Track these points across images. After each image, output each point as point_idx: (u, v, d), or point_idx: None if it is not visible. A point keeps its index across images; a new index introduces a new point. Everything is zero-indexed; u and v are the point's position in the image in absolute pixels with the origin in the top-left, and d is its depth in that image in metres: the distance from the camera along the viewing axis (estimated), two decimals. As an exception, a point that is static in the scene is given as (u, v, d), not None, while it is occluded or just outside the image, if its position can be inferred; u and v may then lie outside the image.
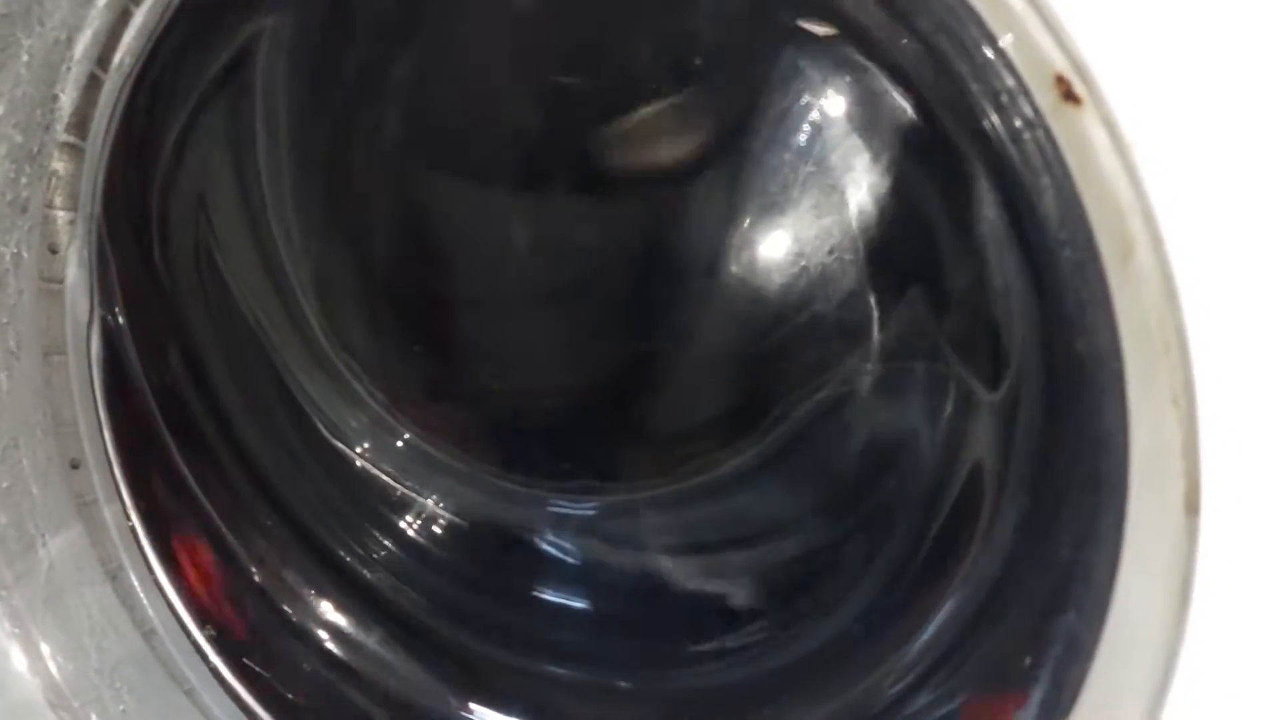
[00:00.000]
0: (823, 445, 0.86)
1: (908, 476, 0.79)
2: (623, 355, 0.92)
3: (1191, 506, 0.47)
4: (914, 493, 0.78)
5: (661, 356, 0.90)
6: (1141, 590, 0.50)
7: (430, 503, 0.96)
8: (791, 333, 0.84)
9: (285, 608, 0.88)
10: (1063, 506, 0.60)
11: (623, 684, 0.90)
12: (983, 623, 0.69)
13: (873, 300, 0.79)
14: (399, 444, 0.96)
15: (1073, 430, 0.58)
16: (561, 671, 0.91)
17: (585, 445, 0.95)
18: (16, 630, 0.73)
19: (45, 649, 0.74)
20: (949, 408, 0.75)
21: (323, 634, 0.89)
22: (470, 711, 0.87)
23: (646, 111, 0.83)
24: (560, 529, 0.95)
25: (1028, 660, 0.60)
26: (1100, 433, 0.53)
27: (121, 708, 0.76)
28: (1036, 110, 0.49)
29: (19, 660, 0.74)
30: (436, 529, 0.97)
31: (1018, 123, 0.51)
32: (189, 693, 0.81)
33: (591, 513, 0.95)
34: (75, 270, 0.76)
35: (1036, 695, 0.58)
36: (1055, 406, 0.62)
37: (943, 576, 0.71)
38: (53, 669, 0.74)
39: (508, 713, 0.87)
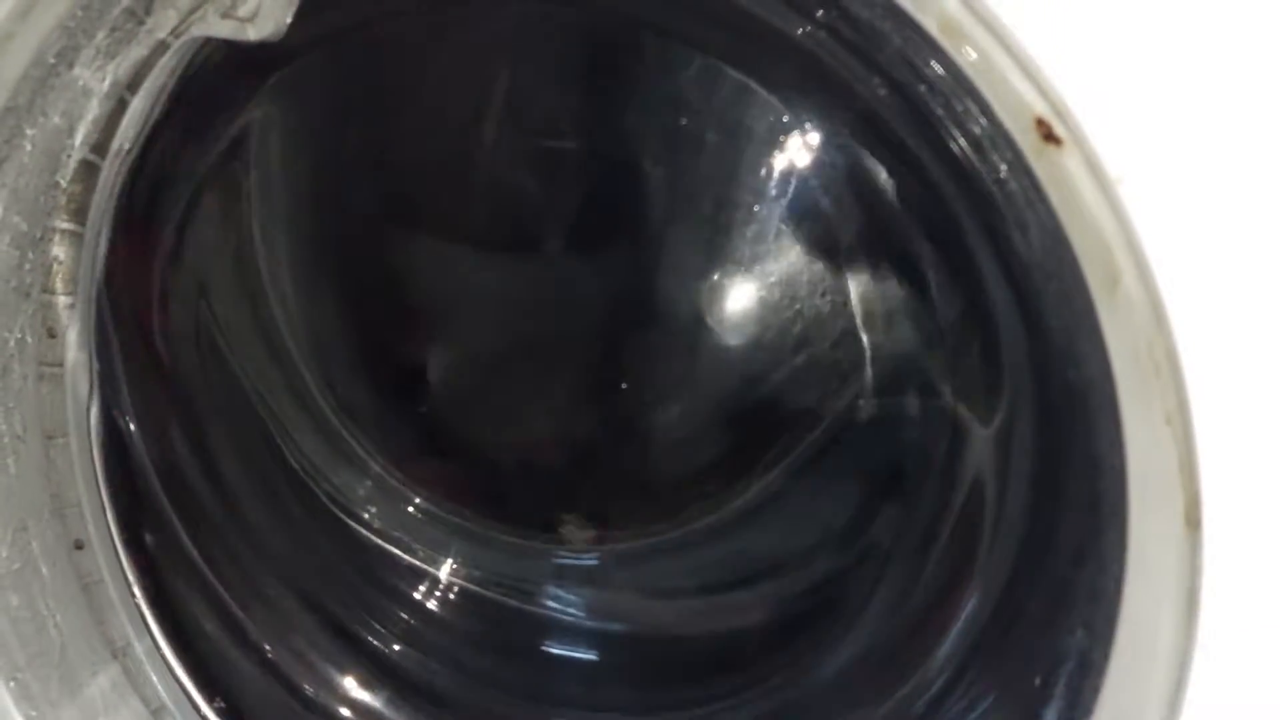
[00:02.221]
0: (822, 482, 0.87)
1: (907, 506, 0.81)
2: (622, 405, 0.94)
3: (1192, 521, 0.49)
4: (914, 521, 0.80)
5: (661, 404, 0.92)
6: (1149, 605, 0.51)
7: (437, 564, 0.97)
8: (788, 374, 0.86)
9: (294, 678, 0.88)
10: (1061, 527, 0.62)
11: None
12: (986, 647, 0.71)
13: (865, 338, 0.81)
14: (406, 508, 0.97)
15: (1068, 454, 0.59)
16: (565, 722, 0.92)
17: (589, 495, 0.96)
18: (33, 712, 0.73)
19: (61, 732, 0.75)
20: (944, 438, 0.77)
21: (334, 704, 0.89)
22: (479, 766, 0.88)
23: (635, 170, 0.86)
24: (565, 581, 0.96)
25: (1038, 680, 0.62)
26: (1095, 455, 0.54)
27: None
28: (1017, 153, 0.51)
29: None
30: (445, 593, 0.97)
31: (1000, 166, 0.54)
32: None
33: (595, 563, 0.96)
34: (74, 353, 0.77)
35: (1051, 713, 0.60)
36: (1050, 432, 0.64)
37: (947, 602, 0.73)
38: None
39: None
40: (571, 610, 0.96)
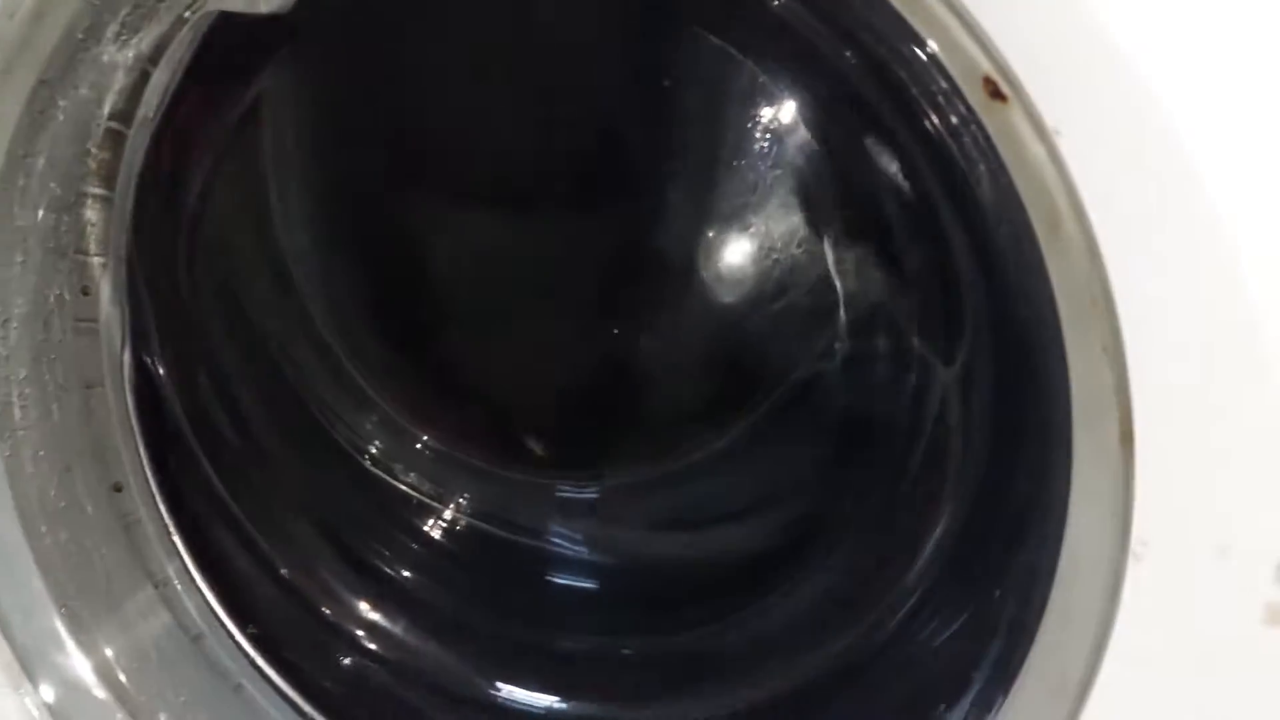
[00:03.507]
0: (803, 420, 0.92)
1: (882, 441, 0.86)
2: (615, 350, 0.98)
3: (1126, 438, 0.53)
4: (888, 454, 0.85)
5: (652, 349, 0.97)
6: (1089, 518, 0.55)
7: (447, 500, 1.02)
8: (769, 319, 0.91)
9: (318, 605, 0.93)
10: (1019, 451, 0.67)
11: (626, 651, 0.96)
12: (955, 566, 0.76)
13: (839, 285, 0.86)
14: (414, 445, 1.02)
15: (1022, 385, 0.64)
16: (572, 645, 0.97)
17: (587, 434, 1.01)
18: (83, 635, 0.79)
19: (109, 653, 0.80)
20: (913, 375, 0.82)
21: (354, 628, 0.94)
22: (497, 689, 0.92)
23: (627, 131, 0.90)
24: (567, 514, 1.00)
25: (997, 592, 0.67)
26: (1044, 384, 0.59)
27: (182, 700, 0.82)
28: (969, 108, 0.55)
29: (82, 665, 0.79)
30: (453, 526, 1.02)
31: (954, 120, 0.58)
32: (237, 688, 0.87)
33: (594, 496, 1.01)
34: (108, 309, 0.81)
35: (1004, 621, 0.64)
36: (1006, 365, 0.69)
37: (921, 524, 0.78)
38: (118, 672, 0.80)
39: (529, 687, 0.92)
40: (574, 543, 1.01)
